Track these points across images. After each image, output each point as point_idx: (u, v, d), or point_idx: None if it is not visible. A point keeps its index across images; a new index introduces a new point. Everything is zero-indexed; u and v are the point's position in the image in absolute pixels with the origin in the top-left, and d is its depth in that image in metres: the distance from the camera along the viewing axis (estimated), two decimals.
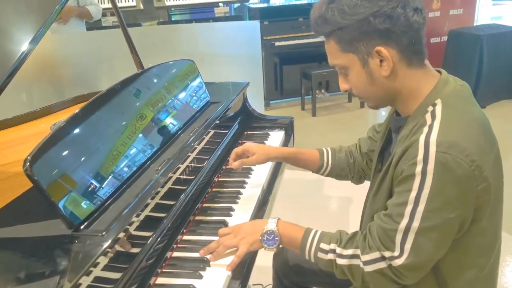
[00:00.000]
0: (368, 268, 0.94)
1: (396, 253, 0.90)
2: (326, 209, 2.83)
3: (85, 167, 0.99)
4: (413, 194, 0.87)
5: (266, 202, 1.37)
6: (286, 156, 1.37)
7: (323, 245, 1.00)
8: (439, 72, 0.99)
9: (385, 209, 0.96)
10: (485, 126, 0.94)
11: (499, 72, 4.34)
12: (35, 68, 2.20)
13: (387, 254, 0.91)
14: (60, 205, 0.88)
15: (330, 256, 0.99)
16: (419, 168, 0.85)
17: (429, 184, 0.85)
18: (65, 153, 0.97)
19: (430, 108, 0.92)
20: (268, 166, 1.56)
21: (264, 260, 1.39)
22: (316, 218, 2.66)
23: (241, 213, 1.28)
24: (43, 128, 1.66)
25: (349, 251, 0.97)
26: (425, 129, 0.89)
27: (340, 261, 0.98)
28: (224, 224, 1.23)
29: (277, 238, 1.05)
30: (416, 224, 0.87)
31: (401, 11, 0.88)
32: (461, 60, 4.41)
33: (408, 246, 0.88)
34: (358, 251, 0.95)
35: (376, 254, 0.92)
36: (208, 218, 1.27)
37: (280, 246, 1.07)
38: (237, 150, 1.37)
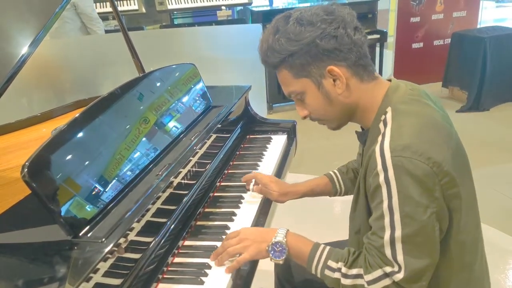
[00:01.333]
0: (373, 287, 0.92)
1: (396, 268, 0.90)
2: (330, 212, 2.82)
3: (85, 172, 0.98)
4: (385, 204, 0.88)
5: (268, 206, 1.35)
6: (302, 195, 1.40)
7: (331, 263, 0.99)
8: (390, 80, 1.03)
9: (367, 225, 0.98)
10: (438, 123, 0.95)
11: (503, 75, 4.31)
12: (35, 73, 2.21)
13: (388, 269, 0.90)
14: (59, 211, 0.87)
15: (337, 275, 0.98)
16: (381, 178, 0.88)
17: (395, 190, 0.87)
18: (64, 158, 0.96)
19: (383, 117, 0.96)
20: (270, 170, 1.55)
21: (266, 265, 1.37)
22: (319, 221, 2.65)
23: (243, 218, 1.27)
24: (44, 133, 1.65)
25: (354, 271, 0.96)
26: (379, 138, 0.92)
27: (345, 281, 0.96)
28: (226, 229, 1.22)
29: (284, 251, 1.03)
30: (398, 232, 0.88)
31: (343, 31, 0.93)
32: (465, 63, 4.39)
33: (400, 258, 0.89)
34: (361, 271, 0.95)
35: (378, 272, 0.92)
36: (210, 223, 1.26)
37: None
38: (256, 178, 1.37)
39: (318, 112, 1.02)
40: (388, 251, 0.90)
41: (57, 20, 1.22)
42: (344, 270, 0.97)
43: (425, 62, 4.87)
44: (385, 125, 0.94)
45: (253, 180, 1.39)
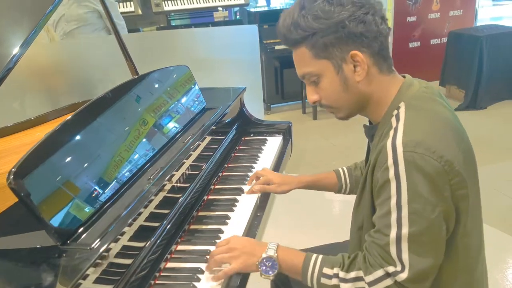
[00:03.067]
0: None
1: (399, 268, 0.87)
2: (327, 212, 2.80)
3: (73, 177, 0.97)
4: (393, 200, 0.86)
5: (263, 209, 1.34)
6: (305, 185, 1.38)
7: (326, 270, 0.96)
8: (404, 77, 1.01)
9: (370, 222, 0.95)
10: (451, 123, 0.94)
11: (499, 73, 4.31)
12: (28, 76, 2.19)
13: (390, 269, 0.88)
14: (47, 218, 0.86)
15: (334, 281, 0.95)
16: (391, 173, 0.86)
17: (405, 186, 0.85)
18: (53, 163, 0.95)
19: (395, 112, 0.94)
20: None
21: None
22: (316, 221, 2.64)
23: (237, 221, 1.26)
24: (39, 136, 1.63)
25: (352, 274, 0.93)
26: (391, 133, 0.90)
27: (344, 286, 0.93)
28: (220, 232, 1.20)
29: (275, 266, 0.99)
30: (405, 230, 0.86)
31: (371, 18, 0.91)
32: (461, 61, 4.39)
33: (405, 256, 0.86)
34: (361, 273, 0.92)
35: (380, 272, 0.89)
36: (204, 227, 1.25)
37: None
38: (259, 179, 1.39)
39: (331, 97, 0.98)
40: (393, 250, 0.87)
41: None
42: (342, 274, 0.94)
43: (422, 61, 4.86)
44: (397, 119, 0.92)
45: (253, 181, 1.40)
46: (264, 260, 0.99)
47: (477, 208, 0.97)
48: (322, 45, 0.91)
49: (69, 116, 1.09)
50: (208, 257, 1.08)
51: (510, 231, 2.42)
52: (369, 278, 0.90)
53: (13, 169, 0.84)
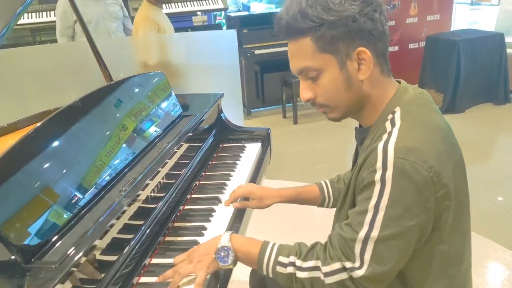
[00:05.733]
0: (329, 280, 0.89)
1: (357, 264, 0.87)
2: (308, 217, 2.79)
3: (39, 189, 0.92)
4: (372, 201, 0.85)
5: (240, 219, 1.31)
6: (287, 199, 1.33)
7: (282, 258, 0.94)
8: (399, 82, 0.99)
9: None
10: (445, 134, 0.93)
11: (477, 77, 4.40)
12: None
13: (348, 264, 0.87)
14: (9, 235, 0.81)
15: (290, 269, 0.93)
16: (378, 175, 0.84)
17: (388, 191, 0.83)
18: (15, 175, 0.90)
19: (390, 116, 0.92)
20: (243, 179, 1.51)
21: (242, 275, 1.33)
22: (297, 226, 2.62)
23: (213, 232, 1.23)
24: (11, 144, 1.58)
25: (310, 263, 0.92)
26: (385, 136, 0.88)
27: (300, 274, 0.92)
28: (196, 244, 1.17)
29: (231, 253, 0.97)
30: (375, 233, 0.85)
31: (378, 16, 0.88)
32: (439, 66, 4.46)
33: (367, 256, 0.86)
34: (319, 263, 0.91)
35: (337, 265, 0.89)
36: (179, 238, 1.21)
37: (237, 262, 1.00)
38: (238, 193, 1.33)
39: (330, 95, 0.92)
40: (357, 247, 0.86)
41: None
42: (298, 263, 0.93)
43: (400, 65, 4.91)
44: (392, 124, 0.89)
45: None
46: (219, 251, 0.98)
47: (462, 219, 0.95)
48: (330, 38, 0.86)
49: (39, 124, 1.05)
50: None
51: (488, 235, 2.44)
52: (326, 268, 0.89)
53: None
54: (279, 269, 0.94)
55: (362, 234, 0.86)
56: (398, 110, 0.92)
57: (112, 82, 1.43)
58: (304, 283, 0.92)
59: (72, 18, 3.04)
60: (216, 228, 1.24)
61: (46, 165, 0.99)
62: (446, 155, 0.89)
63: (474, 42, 4.34)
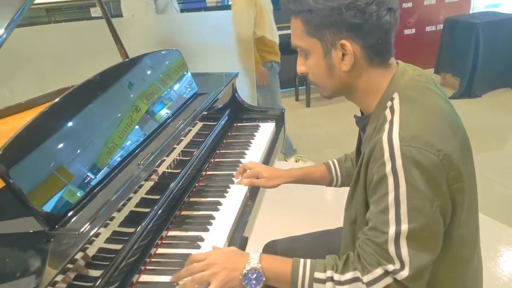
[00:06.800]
0: None
1: (398, 266, 0.84)
2: (319, 198, 2.80)
3: (62, 161, 0.95)
4: (391, 196, 0.83)
5: (255, 197, 1.33)
6: (295, 179, 1.34)
7: (318, 274, 0.90)
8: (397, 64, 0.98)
9: (363, 218, 0.93)
10: (447, 114, 0.92)
11: (495, 61, 4.31)
12: (16, 62, 2.15)
13: (390, 267, 0.85)
14: (35, 203, 0.85)
15: (329, 285, 0.89)
16: (388, 167, 0.83)
17: (404, 181, 0.82)
18: (39, 146, 0.93)
19: (389, 103, 0.91)
20: (257, 158, 1.53)
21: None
22: (308, 207, 2.64)
23: (228, 207, 1.25)
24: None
25: (348, 275, 0.89)
26: (387, 126, 0.87)
27: None
28: (211, 218, 1.19)
29: (261, 277, 0.92)
30: (404, 227, 0.82)
31: (374, 8, 0.86)
32: (457, 49, 4.38)
33: (405, 253, 0.83)
34: (358, 273, 0.88)
35: (378, 271, 0.86)
36: (195, 213, 1.24)
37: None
38: (247, 170, 1.36)
39: (316, 76, 0.97)
40: (391, 248, 0.84)
41: None
42: (336, 277, 0.89)
43: (417, 49, 4.84)
44: (392, 112, 0.89)
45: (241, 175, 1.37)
46: (248, 273, 0.93)
47: (473, 199, 0.95)
48: (316, 24, 0.89)
49: (57, 99, 1.07)
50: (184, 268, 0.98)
51: (502, 220, 2.44)
52: (368, 277, 0.87)
53: None
54: (317, 286, 0.90)
55: (391, 232, 0.83)
56: (396, 97, 0.90)
57: (129, 59, 1.44)
58: None
59: None
60: (231, 204, 1.26)
61: (70, 138, 1.01)
62: (451, 135, 0.88)
63: (494, 25, 4.24)
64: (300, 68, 0.99)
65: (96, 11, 4.11)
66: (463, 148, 0.91)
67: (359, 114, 1.05)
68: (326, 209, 2.68)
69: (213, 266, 0.94)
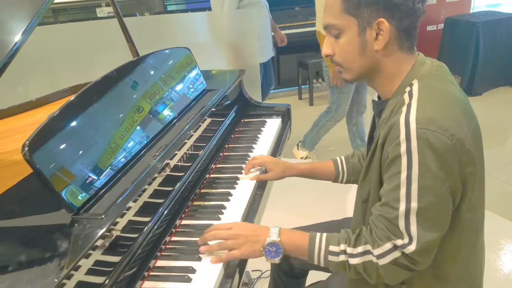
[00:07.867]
0: (383, 261, 0.92)
1: (406, 240, 0.89)
2: (327, 193, 2.84)
3: (84, 151, 1.00)
4: (403, 175, 0.88)
5: (263, 187, 1.38)
6: (302, 173, 1.38)
7: (333, 247, 0.98)
8: (418, 54, 1.01)
9: (377, 195, 0.97)
10: (462, 102, 0.96)
11: (496, 59, 4.35)
12: (29, 60, 2.19)
13: (399, 242, 0.90)
14: (60, 189, 0.89)
15: (342, 257, 0.97)
16: (403, 148, 0.87)
17: (416, 161, 0.86)
18: (62, 138, 0.98)
19: (408, 89, 0.95)
20: (264, 153, 1.58)
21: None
22: (314, 199, 2.68)
23: (238, 198, 1.30)
24: (40, 118, 1.66)
25: (360, 249, 0.95)
26: (404, 109, 0.91)
27: (353, 261, 0.95)
28: (223, 208, 1.24)
29: (280, 250, 1.01)
30: (414, 204, 0.87)
31: None
32: (457, 48, 4.42)
33: (413, 229, 0.89)
34: (369, 246, 0.94)
35: (388, 245, 0.92)
36: (207, 203, 1.28)
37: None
38: (254, 163, 1.41)
39: (345, 56, 0.98)
40: (401, 223, 0.89)
41: None
42: (349, 250, 0.96)
43: (418, 48, 4.80)
44: (410, 96, 0.92)
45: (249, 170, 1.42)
46: (268, 246, 1.01)
47: (482, 183, 0.99)
48: (356, 2, 0.91)
49: (72, 97, 1.12)
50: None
51: (503, 214, 2.49)
52: (378, 251, 0.92)
53: (26, 142, 0.87)
54: (331, 258, 0.98)
55: (402, 208, 0.88)
56: (415, 83, 0.95)
57: (140, 56, 1.49)
58: (357, 268, 0.95)
59: None
60: (241, 195, 1.31)
61: (91, 130, 1.06)
62: (465, 124, 0.92)
63: (494, 24, 4.29)
64: (327, 49, 0.99)
65: (102, 11, 4.16)
66: (475, 137, 0.95)
67: (376, 100, 1.08)
68: (331, 200, 2.72)
69: (238, 237, 1.02)
